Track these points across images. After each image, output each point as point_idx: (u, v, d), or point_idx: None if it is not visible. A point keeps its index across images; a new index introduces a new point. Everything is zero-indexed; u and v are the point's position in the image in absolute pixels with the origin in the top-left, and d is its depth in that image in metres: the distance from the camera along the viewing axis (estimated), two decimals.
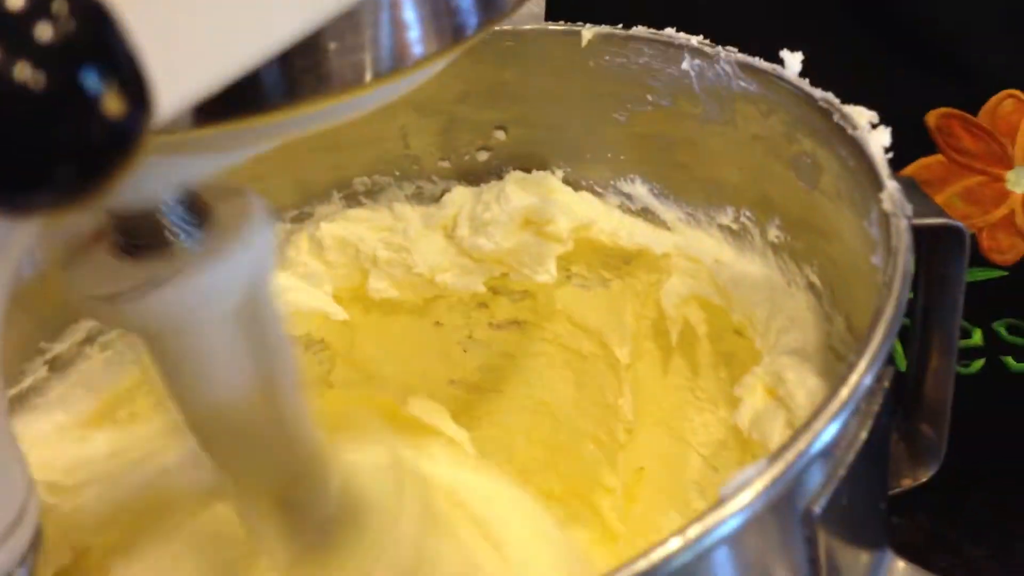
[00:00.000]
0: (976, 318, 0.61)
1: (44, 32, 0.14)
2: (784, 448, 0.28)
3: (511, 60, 0.52)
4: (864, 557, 0.37)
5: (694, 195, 0.52)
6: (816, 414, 0.29)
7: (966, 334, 0.61)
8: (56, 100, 0.13)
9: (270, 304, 0.31)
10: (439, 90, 0.53)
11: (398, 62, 0.25)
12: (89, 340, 0.52)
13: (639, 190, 0.54)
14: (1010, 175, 0.57)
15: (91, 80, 0.14)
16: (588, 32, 0.50)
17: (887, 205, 0.36)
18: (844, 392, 0.30)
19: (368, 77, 0.25)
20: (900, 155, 0.39)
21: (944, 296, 0.43)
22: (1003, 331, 0.60)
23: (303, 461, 0.37)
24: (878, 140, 0.39)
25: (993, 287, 0.59)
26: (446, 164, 0.57)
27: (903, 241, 0.34)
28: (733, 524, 0.27)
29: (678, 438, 0.56)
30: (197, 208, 0.30)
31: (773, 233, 0.48)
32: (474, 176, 0.57)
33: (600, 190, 0.55)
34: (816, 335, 0.47)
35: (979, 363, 0.61)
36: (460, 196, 0.56)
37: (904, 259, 0.34)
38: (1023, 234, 0.58)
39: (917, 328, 0.44)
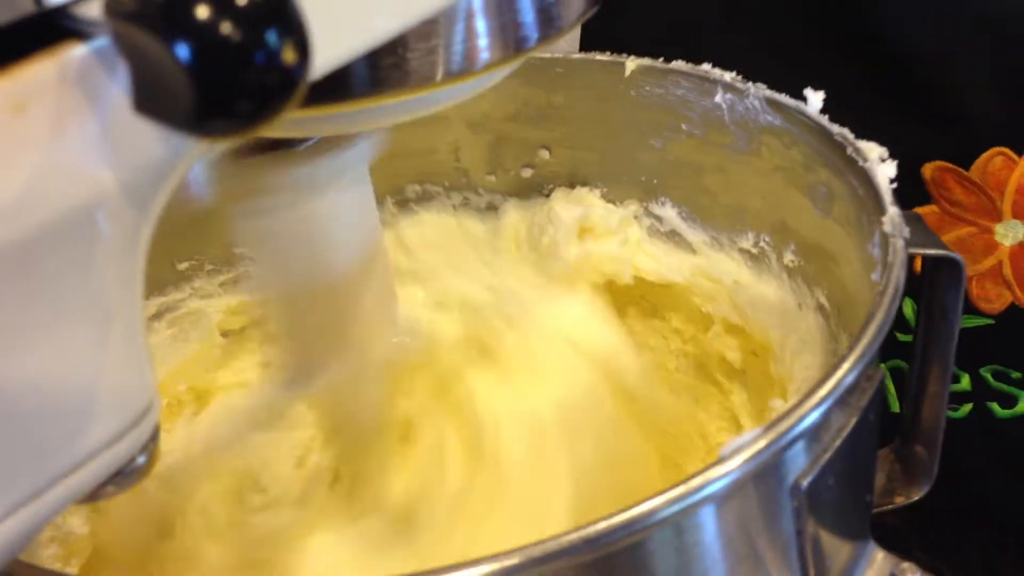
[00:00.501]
0: (964, 364, 0.63)
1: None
2: (774, 422, 0.32)
3: (559, 85, 0.56)
4: (848, 544, 0.41)
5: (718, 220, 0.56)
6: (806, 397, 0.33)
7: (955, 379, 0.63)
8: (248, 50, 0.18)
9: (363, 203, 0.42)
10: (491, 109, 0.58)
11: (469, 65, 0.29)
12: (158, 316, 0.56)
13: (668, 212, 0.58)
14: (999, 228, 0.60)
15: (274, 37, 0.18)
16: (631, 63, 0.54)
17: (887, 227, 0.40)
18: (831, 382, 0.34)
19: (440, 76, 0.29)
20: (897, 203, 0.42)
21: (942, 323, 0.47)
22: (990, 377, 0.63)
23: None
24: (885, 172, 0.43)
25: (981, 334, 0.61)
26: (492, 178, 0.61)
27: (898, 257, 0.39)
28: (719, 485, 0.31)
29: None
30: None
31: (788, 257, 0.52)
32: (517, 191, 0.61)
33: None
34: (823, 355, 0.50)
35: (967, 407, 0.64)
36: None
37: (897, 272, 0.38)
38: (1010, 284, 0.60)
39: (917, 357, 0.48)
